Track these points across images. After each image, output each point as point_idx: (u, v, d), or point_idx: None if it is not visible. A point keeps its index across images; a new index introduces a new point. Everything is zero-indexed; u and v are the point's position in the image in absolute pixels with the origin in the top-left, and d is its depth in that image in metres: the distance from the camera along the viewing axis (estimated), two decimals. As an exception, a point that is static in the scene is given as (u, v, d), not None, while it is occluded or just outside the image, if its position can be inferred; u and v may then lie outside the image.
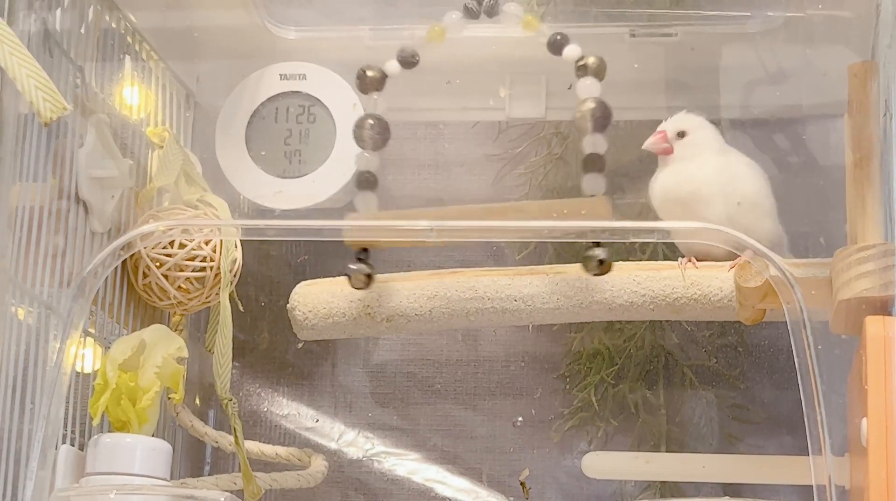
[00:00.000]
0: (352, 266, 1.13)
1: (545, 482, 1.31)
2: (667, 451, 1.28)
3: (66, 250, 1.06)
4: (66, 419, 1.05)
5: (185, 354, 1.09)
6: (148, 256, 1.15)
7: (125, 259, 1.14)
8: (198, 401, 1.32)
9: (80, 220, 1.08)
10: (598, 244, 1.09)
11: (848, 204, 0.99)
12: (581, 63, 1.13)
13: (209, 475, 1.28)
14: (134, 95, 1.21)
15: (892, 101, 0.97)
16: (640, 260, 1.19)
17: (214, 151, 1.26)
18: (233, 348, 1.15)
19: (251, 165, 1.25)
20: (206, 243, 1.15)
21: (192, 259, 1.15)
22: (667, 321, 1.29)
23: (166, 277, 1.15)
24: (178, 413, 1.20)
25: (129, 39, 1.20)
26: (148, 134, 1.22)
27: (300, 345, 1.34)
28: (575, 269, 1.13)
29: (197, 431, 1.21)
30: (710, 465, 1.20)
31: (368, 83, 1.16)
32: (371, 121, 1.15)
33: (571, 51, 1.13)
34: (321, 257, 1.35)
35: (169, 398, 1.15)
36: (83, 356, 1.11)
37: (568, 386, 1.32)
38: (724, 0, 1.18)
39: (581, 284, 1.13)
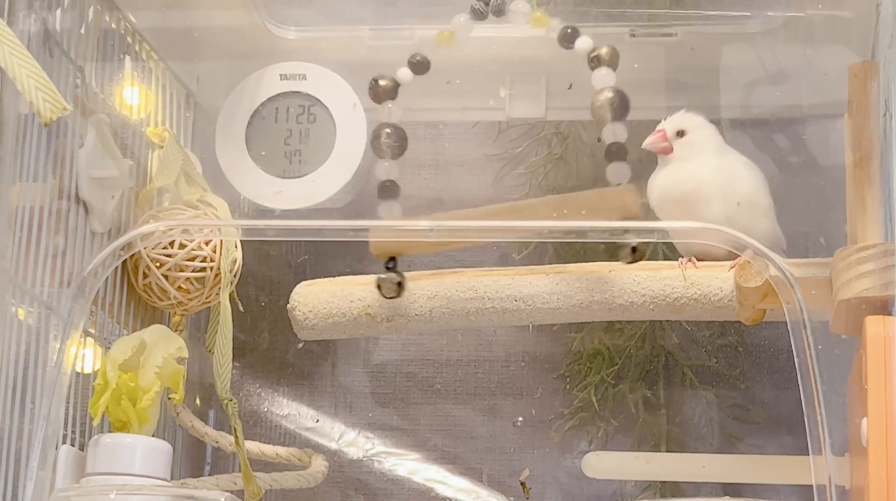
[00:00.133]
0: (382, 276, 1.13)
1: (545, 482, 1.31)
2: (667, 451, 1.28)
3: (66, 251, 1.06)
4: (66, 419, 1.05)
5: (186, 354, 1.09)
6: (148, 256, 1.15)
7: (125, 259, 1.14)
8: (198, 401, 1.32)
9: (81, 220, 1.08)
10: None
11: (848, 204, 0.99)
12: (594, 54, 1.12)
13: (209, 475, 1.28)
14: (134, 96, 1.21)
15: (892, 101, 0.97)
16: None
17: (214, 151, 1.26)
18: (233, 348, 1.14)
19: (251, 165, 1.25)
20: (207, 244, 1.15)
21: (193, 259, 1.15)
22: (667, 321, 1.29)
23: (166, 277, 1.15)
24: (178, 413, 1.20)
25: (129, 39, 1.20)
26: (148, 134, 1.22)
27: (300, 345, 1.34)
28: (575, 269, 1.13)
29: (197, 431, 1.21)
30: (711, 465, 1.20)
31: (381, 92, 1.15)
32: (388, 130, 1.14)
33: (584, 42, 1.13)
34: (321, 257, 1.35)
35: (169, 399, 1.14)
36: (83, 356, 1.11)
37: (568, 386, 1.32)
38: (724, 0, 1.18)
39: (581, 284, 1.13)
